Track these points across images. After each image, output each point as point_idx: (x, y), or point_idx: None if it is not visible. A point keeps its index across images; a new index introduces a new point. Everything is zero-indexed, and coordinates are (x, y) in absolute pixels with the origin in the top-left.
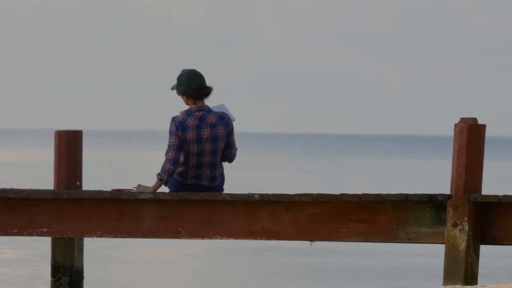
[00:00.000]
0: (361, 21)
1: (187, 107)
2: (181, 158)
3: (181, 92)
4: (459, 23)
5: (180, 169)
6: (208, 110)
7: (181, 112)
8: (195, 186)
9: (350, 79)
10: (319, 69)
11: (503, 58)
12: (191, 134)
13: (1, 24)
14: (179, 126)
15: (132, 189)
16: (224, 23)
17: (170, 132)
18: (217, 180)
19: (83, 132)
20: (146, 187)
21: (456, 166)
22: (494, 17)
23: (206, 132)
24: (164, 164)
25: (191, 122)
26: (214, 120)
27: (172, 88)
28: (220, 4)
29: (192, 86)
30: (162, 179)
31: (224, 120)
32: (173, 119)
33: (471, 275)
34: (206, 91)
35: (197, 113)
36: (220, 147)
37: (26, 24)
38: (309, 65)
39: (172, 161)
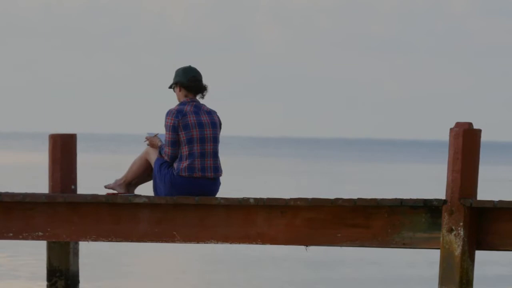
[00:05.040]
0: (360, 25)
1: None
2: (185, 151)
3: (175, 83)
4: (458, 27)
5: (185, 163)
6: (199, 102)
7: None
8: (202, 179)
9: (350, 82)
10: (318, 73)
11: (503, 62)
12: (192, 118)
13: (0, 27)
14: (178, 114)
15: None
16: (223, 27)
17: (166, 127)
18: (219, 171)
19: (81, 136)
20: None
21: (451, 171)
22: (494, 22)
23: (205, 118)
24: (163, 154)
25: (188, 108)
26: (209, 109)
27: (170, 87)
28: (219, 7)
29: (186, 76)
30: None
31: (215, 112)
32: (169, 112)
33: (466, 281)
34: (199, 84)
35: (191, 102)
36: (218, 134)
37: (25, 27)
38: (308, 68)
39: (170, 157)
